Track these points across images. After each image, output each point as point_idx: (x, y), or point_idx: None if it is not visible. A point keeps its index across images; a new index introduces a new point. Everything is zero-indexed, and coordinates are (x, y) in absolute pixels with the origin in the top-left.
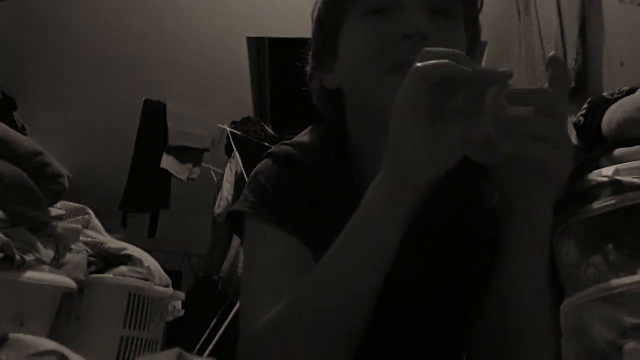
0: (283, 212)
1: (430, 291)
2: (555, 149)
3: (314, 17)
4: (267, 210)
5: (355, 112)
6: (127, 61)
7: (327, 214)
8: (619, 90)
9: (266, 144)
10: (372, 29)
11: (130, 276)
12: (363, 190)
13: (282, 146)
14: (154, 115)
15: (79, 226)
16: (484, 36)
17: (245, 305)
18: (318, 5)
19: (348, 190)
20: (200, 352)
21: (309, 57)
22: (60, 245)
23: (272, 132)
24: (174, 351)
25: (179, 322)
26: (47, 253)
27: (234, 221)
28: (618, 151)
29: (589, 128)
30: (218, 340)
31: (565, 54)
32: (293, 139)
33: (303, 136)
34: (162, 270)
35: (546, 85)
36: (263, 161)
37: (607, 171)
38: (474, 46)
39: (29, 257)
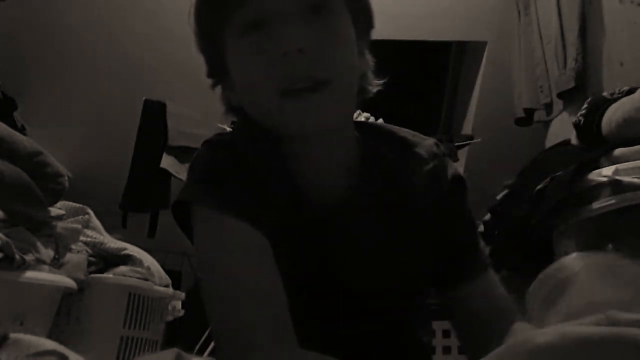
0: (232, 198)
1: (379, 271)
2: None
3: (195, 38)
4: (215, 197)
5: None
6: (127, 61)
7: (263, 197)
8: (619, 90)
9: None
10: (252, 51)
11: (130, 276)
12: (293, 174)
13: (222, 135)
14: (154, 115)
15: (79, 226)
16: (484, 36)
17: (214, 298)
18: (193, 25)
19: (283, 182)
20: (200, 352)
21: (206, 74)
22: (60, 245)
23: None
24: (173, 351)
25: (179, 322)
26: (47, 253)
27: (178, 214)
28: (618, 151)
29: (589, 128)
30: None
31: (565, 54)
32: (232, 130)
33: (238, 126)
34: (162, 270)
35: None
36: (201, 148)
37: (607, 171)
38: (366, 34)
39: (29, 257)
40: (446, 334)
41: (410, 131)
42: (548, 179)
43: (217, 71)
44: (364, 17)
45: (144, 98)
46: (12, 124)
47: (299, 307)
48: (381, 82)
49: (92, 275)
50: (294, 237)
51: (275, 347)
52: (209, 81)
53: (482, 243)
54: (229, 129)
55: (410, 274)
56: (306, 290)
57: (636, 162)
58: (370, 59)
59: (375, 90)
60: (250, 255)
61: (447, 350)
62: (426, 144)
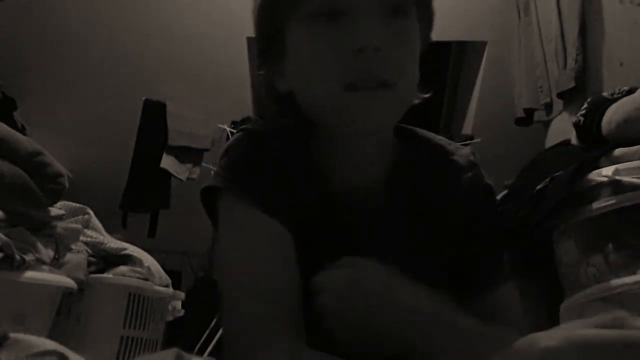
0: (261, 191)
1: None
2: None
3: (255, 14)
4: (244, 188)
5: (310, 120)
6: (127, 61)
7: (292, 194)
8: (619, 90)
9: None
10: (323, 40)
11: (130, 276)
12: (324, 175)
13: (257, 125)
14: (154, 115)
15: (79, 226)
16: (484, 36)
17: (227, 291)
18: (258, 3)
19: (314, 179)
20: (200, 352)
21: (256, 54)
22: (60, 245)
23: None
24: (173, 351)
25: (179, 322)
26: (47, 253)
27: (206, 199)
28: (618, 151)
29: (589, 128)
30: (218, 340)
31: (565, 54)
32: (266, 122)
33: (275, 121)
34: (162, 270)
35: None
36: (236, 136)
37: (607, 171)
38: (427, 38)
39: (29, 257)
40: None
41: (445, 139)
42: (548, 179)
43: (271, 52)
44: (427, 28)
45: (144, 98)
46: (12, 124)
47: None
48: (426, 95)
49: (92, 275)
50: (318, 235)
51: (282, 345)
52: (210, 80)
53: (504, 259)
54: (228, 129)
55: (431, 282)
56: None
57: (636, 162)
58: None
59: (417, 102)
60: (271, 250)
61: None
62: (463, 152)
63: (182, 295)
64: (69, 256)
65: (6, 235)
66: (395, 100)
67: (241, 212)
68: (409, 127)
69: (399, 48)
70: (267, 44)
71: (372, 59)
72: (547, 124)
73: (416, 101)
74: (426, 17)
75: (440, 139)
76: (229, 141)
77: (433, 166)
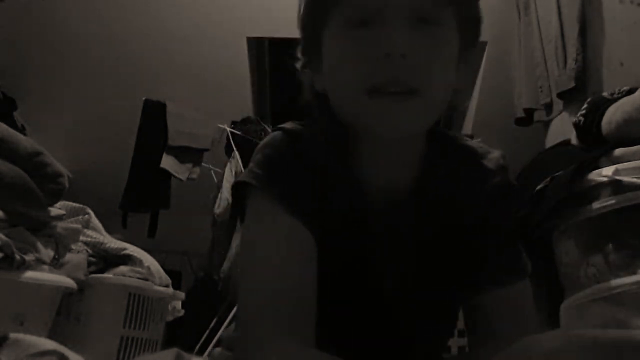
0: (291, 192)
1: (423, 288)
2: None
3: (298, 15)
4: (275, 187)
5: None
6: (127, 61)
7: (325, 204)
8: (619, 90)
9: None
10: (353, 45)
11: (130, 276)
12: (358, 181)
13: (294, 124)
14: (154, 115)
15: (79, 226)
16: (484, 36)
17: (244, 285)
18: (301, 5)
19: (345, 182)
20: (200, 352)
21: (299, 51)
22: (60, 245)
23: None
24: (173, 351)
25: (179, 322)
26: (47, 253)
27: (237, 194)
28: (618, 151)
29: (589, 128)
30: (218, 340)
31: (565, 54)
32: (302, 122)
33: (310, 122)
34: (162, 270)
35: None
36: (272, 134)
37: (607, 171)
38: (471, 47)
39: (29, 257)
40: None
41: (476, 142)
42: (548, 179)
43: (311, 49)
44: (470, 36)
45: (144, 98)
46: (12, 124)
47: (330, 310)
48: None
49: (92, 275)
50: (341, 238)
51: (287, 342)
52: (210, 80)
53: (523, 255)
54: (228, 129)
55: (449, 283)
56: (340, 295)
57: (636, 162)
58: (467, 75)
59: (462, 108)
60: (292, 252)
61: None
62: (493, 156)
63: (182, 295)
64: (69, 256)
65: (6, 235)
66: (422, 107)
67: (268, 211)
68: (441, 129)
69: (428, 56)
70: (309, 43)
71: (398, 65)
72: (547, 124)
73: (461, 108)
74: (467, 25)
75: (471, 142)
76: (265, 138)
77: (463, 170)
